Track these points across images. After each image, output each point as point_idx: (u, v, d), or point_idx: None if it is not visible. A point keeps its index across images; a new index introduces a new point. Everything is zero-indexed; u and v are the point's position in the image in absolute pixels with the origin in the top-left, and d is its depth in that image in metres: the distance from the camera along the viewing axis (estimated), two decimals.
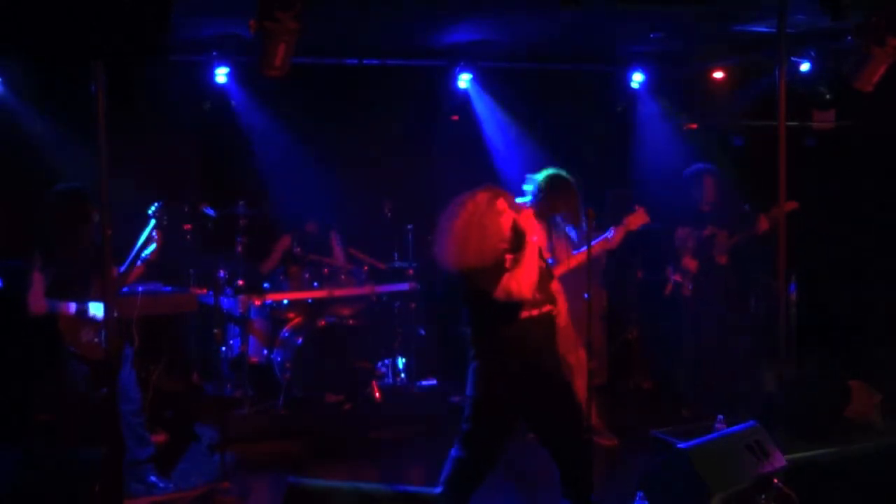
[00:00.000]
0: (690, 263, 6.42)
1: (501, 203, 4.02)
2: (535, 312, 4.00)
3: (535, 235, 3.99)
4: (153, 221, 5.05)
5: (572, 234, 5.54)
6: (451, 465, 4.09)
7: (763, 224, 6.15)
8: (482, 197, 4.04)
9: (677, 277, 6.50)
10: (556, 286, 4.28)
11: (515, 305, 3.95)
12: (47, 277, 4.84)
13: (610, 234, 5.35)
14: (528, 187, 5.26)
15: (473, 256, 3.94)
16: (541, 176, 5.31)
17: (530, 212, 4.05)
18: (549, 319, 4.09)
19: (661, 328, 7.13)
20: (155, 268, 5.21)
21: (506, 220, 4.01)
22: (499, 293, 3.89)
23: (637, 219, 5.32)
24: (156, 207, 5.09)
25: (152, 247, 5.07)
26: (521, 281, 3.89)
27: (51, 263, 4.86)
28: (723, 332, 6.45)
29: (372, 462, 5.92)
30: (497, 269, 3.93)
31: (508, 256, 4.00)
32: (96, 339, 4.89)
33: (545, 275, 4.13)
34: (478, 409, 4.05)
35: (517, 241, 3.99)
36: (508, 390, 4.02)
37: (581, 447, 4.10)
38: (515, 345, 3.98)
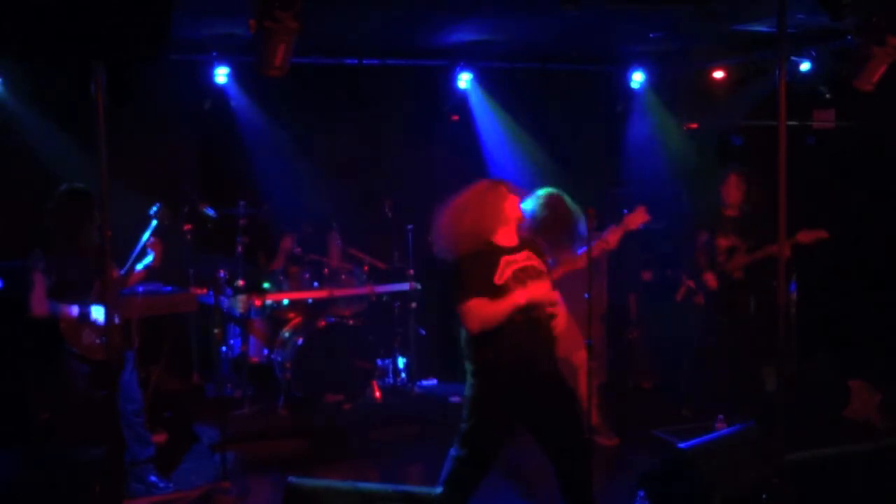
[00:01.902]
0: (710, 279, 6.32)
1: (503, 188, 4.08)
2: (531, 314, 4.00)
3: (526, 297, 3.95)
4: (154, 222, 5.06)
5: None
6: (450, 464, 4.09)
7: (784, 251, 6.02)
8: (482, 183, 4.15)
9: (691, 283, 6.44)
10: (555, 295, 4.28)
11: None
12: (49, 279, 4.84)
13: (605, 233, 5.26)
14: (527, 205, 5.26)
15: (469, 226, 4.01)
16: (532, 200, 5.28)
17: (546, 284, 4.06)
18: (544, 322, 4.08)
19: (663, 329, 7.13)
20: (156, 270, 5.22)
21: (510, 203, 4.06)
22: (460, 306, 3.94)
23: (637, 218, 5.19)
24: (157, 208, 5.09)
25: (150, 257, 5.08)
26: (482, 314, 3.91)
27: (53, 264, 4.86)
28: (727, 338, 6.42)
29: (372, 462, 5.92)
30: (484, 277, 3.94)
31: (505, 258, 4.00)
32: (98, 341, 4.89)
33: (544, 276, 4.13)
34: (475, 410, 4.06)
35: (524, 245, 4.02)
36: (503, 391, 4.02)
37: (580, 448, 4.10)
38: (508, 346, 3.98)
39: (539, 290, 3.99)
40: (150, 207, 5.12)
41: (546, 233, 5.31)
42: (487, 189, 4.10)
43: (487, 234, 4.03)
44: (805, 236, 6.03)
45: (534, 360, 4.03)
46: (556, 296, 4.23)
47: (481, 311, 3.91)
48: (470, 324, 3.93)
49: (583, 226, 5.29)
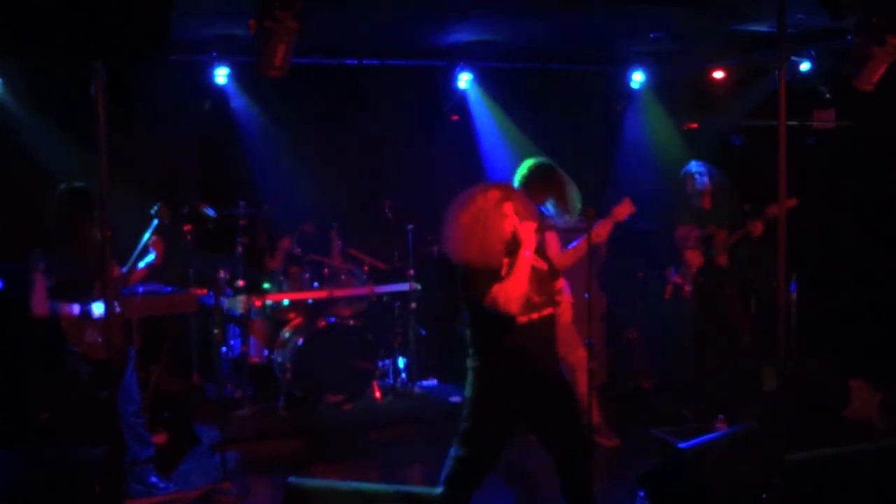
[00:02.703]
0: (693, 257, 6.35)
1: (508, 207, 4.04)
2: (534, 316, 4.00)
3: (529, 250, 3.96)
4: (155, 221, 5.06)
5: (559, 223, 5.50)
6: (450, 464, 4.09)
7: (758, 228, 6.10)
8: (493, 195, 4.05)
9: (677, 279, 6.47)
10: (560, 284, 4.26)
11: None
12: (50, 278, 4.83)
13: (594, 227, 5.23)
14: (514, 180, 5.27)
15: (476, 253, 3.96)
16: (523, 167, 5.30)
17: (533, 225, 4.02)
18: (548, 323, 4.08)
19: (661, 328, 7.13)
20: (157, 268, 5.22)
21: (508, 224, 4.03)
22: (487, 300, 3.91)
23: (623, 209, 5.18)
24: (157, 207, 5.09)
25: (152, 255, 5.09)
26: (509, 294, 3.89)
27: (53, 264, 4.85)
28: (723, 333, 6.43)
29: (372, 462, 5.92)
30: (491, 274, 3.94)
31: (505, 261, 4.01)
32: (100, 339, 4.88)
33: (547, 275, 4.13)
34: (476, 409, 4.06)
35: (513, 247, 3.99)
36: (506, 391, 4.02)
37: (581, 449, 4.10)
38: (513, 349, 3.98)
39: (530, 234, 3.96)
40: (149, 207, 5.12)
41: (544, 198, 5.33)
42: (491, 211, 3.99)
43: (493, 255, 4.00)
44: (775, 209, 6.03)
45: (534, 359, 4.03)
46: (561, 283, 4.23)
47: (508, 290, 3.88)
48: (508, 306, 3.88)
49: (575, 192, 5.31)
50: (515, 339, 3.97)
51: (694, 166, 6.54)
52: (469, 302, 4.03)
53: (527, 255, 3.95)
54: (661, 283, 6.67)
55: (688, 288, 6.42)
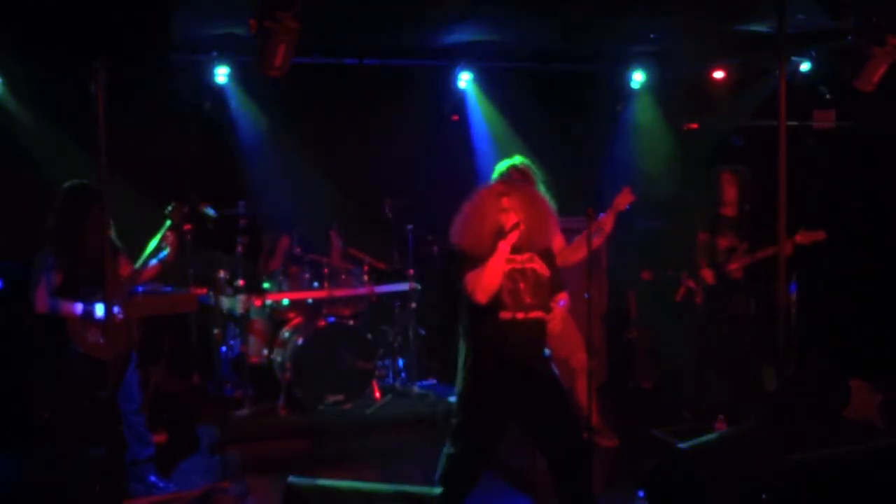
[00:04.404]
0: (707, 275, 6.29)
1: (506, 201, 4.05)
2: (519, 315, 4.01)
3: (506, 245, 3.98)
4: (169, 221, 5.05)
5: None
6: (443, 462, 4.11)
7: (786, 249, 5.98)
8: (496, 188, 4.14)
9: (690, 283, 6.42)
10: (560, 297, 4.26)
11: (494, 304, 3.98)
12: (57, 277, 4.82)
13: (599, 220, 5.25)
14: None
15: (469, 240, 4.04)
16: (500, 168, 5.24)
17: (514, 220, 4.03)
18: (535, 325, 4.08)
19: (663, 329, 7.12)
20: (171, 264, 5.22)
21: (503, 218, 4.05)
22: (463, 288, 3.99)
23: (624, 198, 5.24)
24: (172, 207, 5.09)
25: (167, 250, 5.09)
26: (476, 281, 3.96)
27: (59, 262, 4.84)
28: (727, 338, 6.40)
29: (372, 462, 5.92)
30: (480, 262, 3.97)
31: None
32: (102, 340, 4.88)
33: (547, 282, 4.13)
34: (464, 404, 4.09)
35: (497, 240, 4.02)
36: (490, 386, 4.04)
37: (577, 451, 4.09)
38: (491, 343, 4.03)
39: (513, 230, 3.98)
40: (148, 206, 5.12)
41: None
42: (488, 203, 4.06)
43: (484, 246, 4.02)
44: (804, 237, 6.03)
45: (515, 355, 4.04)
46: (564, 296, 4.24)
47: (477, 278, 3.95)
48: (475, 295, 3.96)
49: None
50: (496, 332, 4.01)
51: (724, 170, 6.35)
52: (460, 288, 4.07)
53: (502, 248, 3.97)
54: (662, 283, 6.66)
55: (699, 296, 6.37)
